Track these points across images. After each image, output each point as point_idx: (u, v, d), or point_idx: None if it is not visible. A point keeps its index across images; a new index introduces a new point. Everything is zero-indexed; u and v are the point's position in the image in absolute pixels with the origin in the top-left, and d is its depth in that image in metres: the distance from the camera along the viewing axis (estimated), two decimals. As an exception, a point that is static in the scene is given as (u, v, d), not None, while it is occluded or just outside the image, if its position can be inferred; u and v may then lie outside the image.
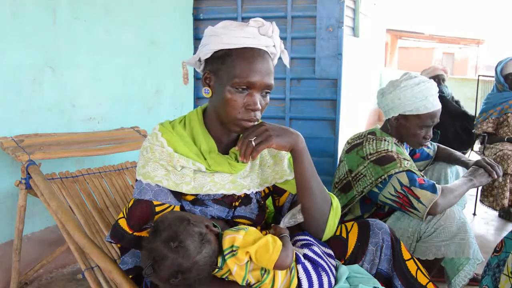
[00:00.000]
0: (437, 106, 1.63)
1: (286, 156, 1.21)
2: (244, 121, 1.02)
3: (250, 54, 1.01)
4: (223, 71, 1.01)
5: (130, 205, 1.07)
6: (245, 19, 2.72)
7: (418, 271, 1.12)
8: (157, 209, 1.04)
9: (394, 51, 13.22)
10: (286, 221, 1.11)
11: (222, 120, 1.06)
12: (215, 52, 1.02)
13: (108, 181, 1.72)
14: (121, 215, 1.09)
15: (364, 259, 1.13)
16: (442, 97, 3.75)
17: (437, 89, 1.65)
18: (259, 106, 1.02)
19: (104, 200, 1.64)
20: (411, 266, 1.13)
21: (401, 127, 1.69)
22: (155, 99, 2.53)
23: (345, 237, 1.18)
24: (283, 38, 2.70)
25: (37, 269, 1.83)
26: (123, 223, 1.07)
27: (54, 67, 1.93)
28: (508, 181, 2.56)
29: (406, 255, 1.14)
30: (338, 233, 1.19)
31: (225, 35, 1.00)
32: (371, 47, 5.46)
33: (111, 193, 1.69)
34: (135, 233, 1.06)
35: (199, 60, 1.09)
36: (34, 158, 1.56)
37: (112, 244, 1.43)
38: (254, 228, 1.05)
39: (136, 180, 1.07)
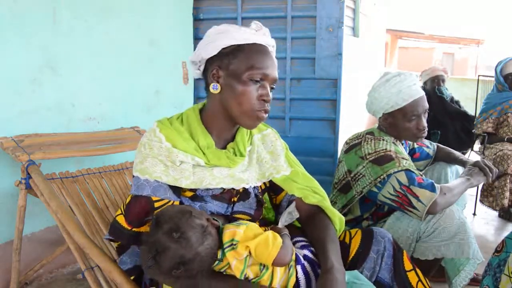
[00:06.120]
0: (416, 94, 1.63)
1: (283, 152, 1.24)
2: (259, 111, 1.07)
3: (261, 49, 1.07)
4: (235, 65, 1.05)
5: (127, 201, 1.07)
6: (245, 19, 2.73)
7: (419, 283, 1.12)
8: (156, 204, 1.04)
9: (394, 51, 13.21)
10: (283, 220, 1.13)
11: (233, 114, 1.08)
12: (223, 48, 1.05)
13: (108, 181, 1.72)
14: (118, 211, 1.09)
15: (364, 266, 1.13)
16: (441, 98, 3.77)
17: (413, 79, 1.65)
18: (270, 97, 1.08)
19: (104, 200, 1.63)
20: (412, 277, 1.13)
21: (391, 125, 1.70)
22: (155, 99, 2.53)
23: (348, 242, 1.19)
24: (283, 38, 2.71)
25: (37, 269, 1.83)
26: (121, 219, 1.07)
27: (54, 67, 1.93)
28: (508, 181, 2.56)
29: (407, 265, 1.14)
30: (341, 239, 1.20)
31: (236, 32, 1.05)
32: (371, 47, 5.46)
33: (111, 193, 1.69)
34: (133, 229, 1.06)
35: (199, 60, 1.10)
36: (34, 158, 1.56)
37: (112, 243, 1.43)
38: (255, 224, 1.06)
39: (133, 176, 1.07)
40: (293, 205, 1.17)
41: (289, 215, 1.14)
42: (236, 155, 1.13)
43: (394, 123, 1.68)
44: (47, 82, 1.90)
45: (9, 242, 1.80)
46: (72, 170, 1.70)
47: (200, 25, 2.79)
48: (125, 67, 2.30)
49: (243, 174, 1.14)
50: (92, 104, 2.13)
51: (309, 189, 1.19)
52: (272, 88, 1.10)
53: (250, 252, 0.98)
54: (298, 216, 1.15)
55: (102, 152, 1.81)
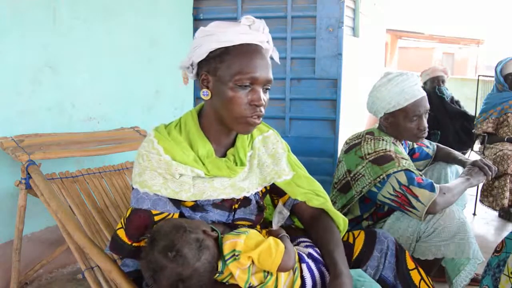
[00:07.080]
0: (418, 95, 1.63)
1: (284, 154, 1.21)
2: (250, 117, 1.01)
3: (249, 50, 1.00)
4: (222, 70, 0.99)
5: (128, 214, 1.05)
6: (245, 19, 2.72)
7: (422, 281, 1.13)
8: (156, 218, 1.02)
9: (394, 51, 13.21)
10: (276, 221, 1.14)
11: (225, 121, 1.04)
12: (210, 52, 1.00)
13: (108, 181, 1.72)
14: (119, 225, 1.08)
15: (368, 264, 1.13)
16: (441, 99, 3.77)
17: (415, 79, 1.65)
18: (263, 101, 1.01)
19: (104, 200, 1.63)
20: (415, 276, 1.13)
21: (392, 125, 1.70)
22: (155, 99, 2.53)
23: (351, 242, 1.19)
24: (283, 38, 2.71)
25: (37, 269, 1.83)
26: (121, 233, 1.06)
27: (54, 67, 1.93)
28: (508, 181, 2.56)
29: (410, 264, 1.15)
30: (345, 239, 1.21)
31: (221, 33, 0.99)
32: (371, 47, 5.46)
33: (111, 193, 1.69)
34: (134, 244, 1.05)
35: (191, 64, 1.07)
36: (34, 158, 1.56)
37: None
38: (255, 231, 1.04)
39: (133, 188, 1.06)
40: (280, 204, 1.17)
41: (280, 215, 1.14)
42: (236, 163, 1.10)
43: (395, 123, 1.68)
44: (47, 82, 1.90)
45: (9, 242, 1.80)
46: (72, 170, 1.70)
47: (200, 25, 2.73)
48: (125, 67, 2.30)
49: (243, 183, 1.11)
50: (92, 104, 2.13)
51: (312, 192, 1.17)
52: (266, 89, 1.04)
53: (253, 261, 0.97)
54: (288, 213, 1.15)
55: (102, 152, 1.81)
